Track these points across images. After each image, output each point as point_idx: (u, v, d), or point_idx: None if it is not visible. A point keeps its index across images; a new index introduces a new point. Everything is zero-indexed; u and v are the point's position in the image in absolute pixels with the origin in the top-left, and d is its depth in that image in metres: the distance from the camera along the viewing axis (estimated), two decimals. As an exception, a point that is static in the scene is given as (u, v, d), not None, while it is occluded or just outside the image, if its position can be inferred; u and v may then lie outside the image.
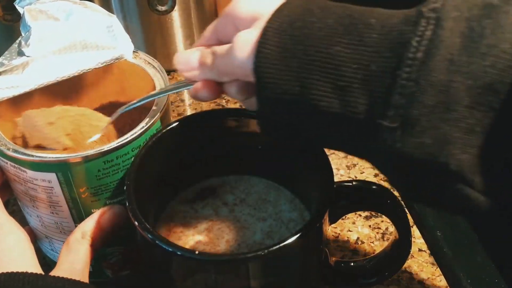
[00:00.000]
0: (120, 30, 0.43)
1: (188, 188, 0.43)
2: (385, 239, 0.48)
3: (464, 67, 0.24)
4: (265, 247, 0.31)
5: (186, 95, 0.68)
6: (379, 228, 0.49)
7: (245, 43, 0.30)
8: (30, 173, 0.36)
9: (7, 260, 0.34)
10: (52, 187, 0.37)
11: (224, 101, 0.66)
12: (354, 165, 0.56)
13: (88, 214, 0.38)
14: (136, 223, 0.33)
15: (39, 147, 0.39)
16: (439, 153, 0.25)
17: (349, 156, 0.57)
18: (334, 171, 0.37)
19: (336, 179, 0.36)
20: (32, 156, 0.36)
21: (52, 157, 0.36)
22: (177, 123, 0.39)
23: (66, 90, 0.45)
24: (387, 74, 0.25)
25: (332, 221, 0.37)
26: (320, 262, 0.38)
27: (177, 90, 0.38)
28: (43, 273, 0.33)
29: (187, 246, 0.39)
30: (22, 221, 0.41)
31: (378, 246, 0.48)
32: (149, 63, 0.44)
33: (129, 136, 0.37)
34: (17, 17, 0.63)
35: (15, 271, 0.31)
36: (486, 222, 0.29)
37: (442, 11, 0.25)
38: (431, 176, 0.26)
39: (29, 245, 0.35)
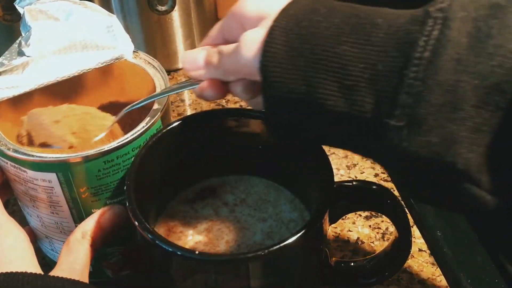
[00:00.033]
0: (120, 30, 0.43)
1: (188, 188, 0.43)
2: (385, 239, 0.48)
3: (471, 67, 0.24)
4: (265, 247, 0.31)
5: (186, 95, 0.68)
6: (379, 228, 0.49)
7: (251, 42, 0.30)
8: (30, 173, 0.36)
9: (6, 260, 0.34)
10: (52, 187, 0.37)
11: (224, 101, 0.66)
12: (354, 165, 0.56)
13: (88, 214, 0.38)
14: (136, 223, 0.33)
15: (45, 145, 0.39)
16: (446, 152, 0.25)
17: (349, 156, 0.57)
18: (334, 171, 0.37)
19: (336, 179, 0.36)
20: (32, 156, 0.36)
21: (53, 157, 0.36)
22: (177, 123, 0.39)
23: (66, 90, 0.45)
24: (394, 73, 0.26)
25: (332, 221, 0.37)
26: (320, 262, 0.38)
27: (182, 89, 0.38)
28: (42, 273, 0.33)
29: (187, 246, 0.39)
30: (22, 221, 0.41)
31: (378, 246, 0.48)
32: (149, 63, 0.44)
33: (129, 136, 0.37)
34: (17, 17, 0.63)
35: (14, 271, 0.31)
36: (490, 221, 0.29)
37: (449, 11, 0.25)
38: (437, 175, 0.26)
39: (28, 245, 0.35)
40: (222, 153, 0.42)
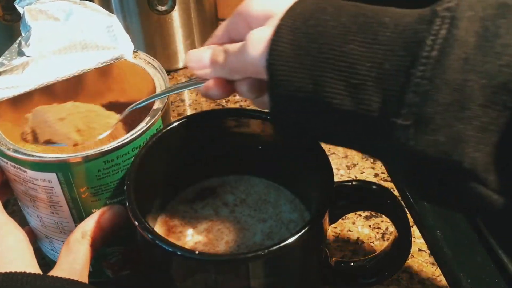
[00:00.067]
0: (120, 30, 0.43)
1: (188, 188, 0.43)
2: (385, 239, 0.48)
3: (479, 66, 0.24)
4: (265, 247, 0.31)
5: (186, 95, 0.68)
6: (379, 228, 0.49)
7: (258, 41, 0.30)
8: (30, 173, 0.36)
9: (6, 261, 0.34)
10: (52, 187, 0.37)
11: (224, 101, 0.66)
12: (354, 165, 0.56)
13: (88, 214, 0.38)
14: (136, 223, 0.33)
15: (49, 142, 0.39)
16: (452, 151, 0.25)
17: (349, 156, 0.57)
18: (334, 171, 0.37)
19: (336, 179, 0.36)
20: (33, 156, 0.36)
21: (53, 157, 0.36)
22: (177, 123, 0.39)
23: (66, 90, 0.45)
24: (401, 72, 0.26)
25: (332, 221, 0.37)
26: (320, 262, 0.38)
27: (187, 88, 0.38)
28: (41, 273, 0.33)
29: (187, 246, 0.39)
30: (22, 221, 0.41)
31: (378, 246, 0.48)
32: (149, 63, 0.44)
33: (129, 136, 0.37)
34: (17, 17, 0.63)
35: (13, 271, 0.31)
36: (497, 220, 0.29)
37: (457, 11, 0.25)
38: (444, 175, 0.26)
39: (28, 246, 0.35)
40: (222, 153, 0.42)
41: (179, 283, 0.35)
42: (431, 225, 0.49)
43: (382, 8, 0.28)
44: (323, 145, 0.37)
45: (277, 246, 0.31)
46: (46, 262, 0.44)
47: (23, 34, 0.41)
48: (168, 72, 0.70)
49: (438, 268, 0.46)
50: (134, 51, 0.44)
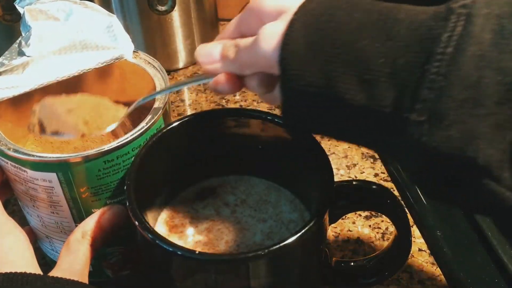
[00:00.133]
0: (120, 30, 0.43)
1: (188, 188, 0.43)
2: (385, 239, 0.48)
3: (494, 63, 0.24)
4: (265, 247, 0.31)
5: (186, 95, 0.68)
6: (379, 228, 0.49)
7: (271, 35, 0.30)
8: (30, 173, 0.36)
9: (6, 261, 0.34)
10: (53, 187, 0.37)
11: (224, 101, 0.66)
12: (354, 165, 0.56)
13: (89, 214, 0.38)
14: (136, 223, 0.33)
15: (57, 133, 0.39)
16: (467, 147, 0.25)
17: (349, 156, 0.57)
18: (334, 171, 0.37)
19: (336, 179, 0.36)
20: (33, 156, 0.36)
21: (53, 157, 0.36)
22: (177, 123, 0.39)
23: (66, 90, 0.45)
24: (416, 68, 0.26)
25: (332, 221, 0.37)
26: (320, 262, 0.38)
27: (197, 82, 0.38)
28: (42, 273, 0.33)
29: (187, 246, 0.39)
30: (22, 221, 0.41)
31: (378, 246, 0.48)
32: (149, 63, 0.44)
33: (129, 136, 0.37)
34: (17, 17, 0.63)
35: (14, 271, 0.31)
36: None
37: (473, 8, 0.25)
38: (456, 171, 0.26)
39: (28, 246, 0.35)
40: (222, 153, 0.42)
41: (179, 283, 0.35)
42: (431, 225, 0.49)
43: (396, 5, 0.28)
44: (323, 145, 0.38)
45: (277, 246, 0.31)
46: (46, 262, 0.44)
47: (23, 34, 0.41)
48: (168, 72, 0.70)
49: (438, 268, 0.46)
50: (134, 51, 0.44)
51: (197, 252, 0.32)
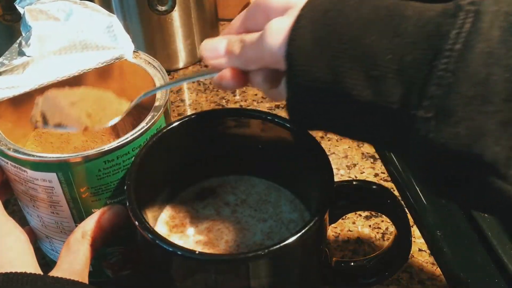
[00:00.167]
0: (120, 30, 0.43)
1: (188, 188, 0.43)
2: (385, 239, 0.48)
3: (503, 60, 0.24)
4: (265, 247, 0.31)
5: (186, 95, 0.68)
6: (379, 228, 0.49)
7: (277, 31, 0.30)
8: (30, 173, 0.36)
9: (6, 261, 0.33)
10: (53, 187, 0.37)
11: (224, 101, 0.66)
12: (354, 165, 0.56)
13: (89, 214, 0.38)
14: (136, 223, 0.33)
15: (60, 126, 0.39)
16: (474, 144, 0.25)
17: (349, 156, 0.57)
18: (334, 171, 0.37)
19: (336, 179, 0.36)
20: (33, 156, 0.36)
21: (53, 157, 0.36)
22: (177, 123, 0.39)
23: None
24: (424, 65, 0.26)
25: (332, 221, 0.38)
26: (320, 262, 0.38)
27: (201, 77, 0.37)
28: (42, 273, 0.33)
29: (187, 246, 0.39)
30: (22, 221, 0.41)
31: (378, 246, 0.48)
32: (149, 63, 0.44)
33: (129, 136, 0.37)
34: (17, 17, 0.63)
35: (14, 271, 0.31)
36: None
37: (481, 5, 0.25)
38: (463, 168, 0.26)
39: (28, 246, 0.35)
40: (222, 153, 0.42)
41: (179, 283, 0.35)
42: (431, 225, 0.49)
43: (403, 2, 0.28)
44: (323, 145, 0.37)
45: (277, 246, 0.31)
46: (46, 262, 0.44)
47: (23, 34, 0.41)
48: (168, 72, 0.70)
49: (438, 268, 0.46)
50: (134, 51, 0.44)
51: (197, 252, 0.32)
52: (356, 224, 0.50)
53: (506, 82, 0.24)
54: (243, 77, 0.34)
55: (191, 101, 0.67)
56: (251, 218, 0.41)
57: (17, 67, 0.39)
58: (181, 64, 0.72)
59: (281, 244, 0.31)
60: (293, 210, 0.41)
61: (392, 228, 0.43)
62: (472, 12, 0.25)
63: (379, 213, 0.50)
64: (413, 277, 0.45)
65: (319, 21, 0.29)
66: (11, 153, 0.36)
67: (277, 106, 0.63)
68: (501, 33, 0.25)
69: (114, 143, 0.36)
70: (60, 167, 0.36)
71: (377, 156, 0.57)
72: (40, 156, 0.36)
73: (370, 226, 0.49)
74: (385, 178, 0.54)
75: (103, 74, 0.46)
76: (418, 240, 0.48)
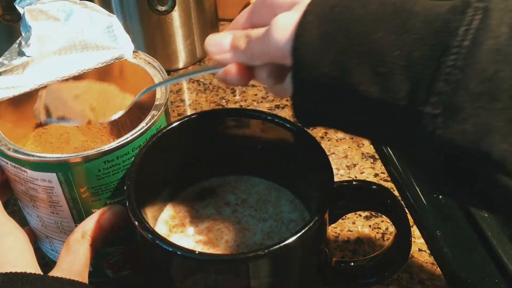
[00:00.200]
0: (120, 30, 0.43)
1: (188, 188, 0.43)
2: (385, 239, 0.48)
3: (511, 58, 0.24)
4: (265, 247, 0.31)
5: (186, 95, 0.68)
6: (379, 228, 0.49)
7: (284, 26, 0.30)
8: (30, 173, 0.36)
9: (6, 261, 0.33)
10: (53, 187, 0.37)
11: (224, 101, 0.66)
12: (354, 165, 0.56)
13: (89, 214, 0.38)
14: (136, 223, 0.33)
15: (63, 118, 0.38)
16: (481, 141, 0.25)
17: (349, 156, 0.57)
18: (334, 171, 0.37)
19: (336, 179, 0.36)
20: (33, 156, 0.36)
21: (53, 157, 0.36)
22: (177, 123, 0.39)
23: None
24: (431, 61, 0.26)
25: (332, 221, 0.38)
26: (320, 262, 0.38)
27: (205, 72, 0.37)
28: (42, 273, 0.33)
29: (187, 246, 0.39)
30: (22, 221, 0.41)
31: (378, 246, 0.48)
32: (149, 63, 0.44)
33: (129, 136, 0.37)
34: (17, 17, 0.63)
35: (14, 271, 0.31)
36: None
37: (490, 2, 0.25)
38: (469, 165, 0.26)
39: (28, 246, 0.35)
40: (222, 153, 0.42)
41: (179, 283, 0.35)
42: (431, 225, 0.49)
43: None
44: (323, 145, 0.37)
45: (277, 246, 0.31)
46: (46, 262, 0.44)
47: (23, 34, 0.41)
48: (168, 72, 0.70)
49: (438, 268, 0.46)
50: (134, 51, 0.44)
51: (197, 252, 0.32)
52: (356, 224, 0.50)
53: None
54: (247, 73, 0.34)
55: (191, 101, 0.67)
56: (251, 218, 0.41)
57: (17, 67, 0.39)
58: (181, 64, 0.72)
59: (281, 244, 0.31)
60: (293, 210, 0.41)
61: (392, 228, 0.43)
62: (481, 9, 0.25)
63: (379, 213, 0.50)
64: (413, 277, 0.45)
65: (326, 17, 0.29)
66: (11, 153, 0.36)
67: (277, 106, 0.63)
68: (509, 30, 0.25)
69: (114, 143, 0.36)
70: (60, 167, 0.36)
71: (377, 156, 0.57)
72: (40, 156, 0.36)
73: (370, 226, 0.49)
74: (385, 178, 0.54)
75: (103, 74, 0.46)
76: (418, 240, 0.48)
